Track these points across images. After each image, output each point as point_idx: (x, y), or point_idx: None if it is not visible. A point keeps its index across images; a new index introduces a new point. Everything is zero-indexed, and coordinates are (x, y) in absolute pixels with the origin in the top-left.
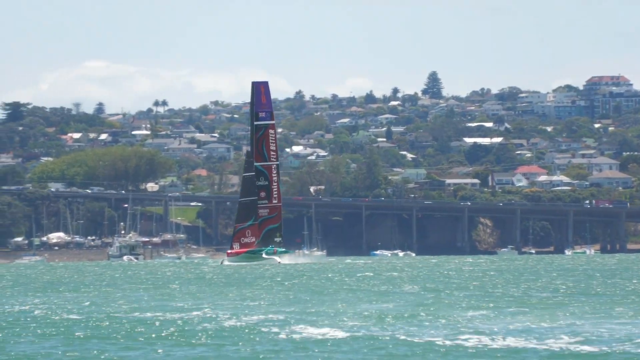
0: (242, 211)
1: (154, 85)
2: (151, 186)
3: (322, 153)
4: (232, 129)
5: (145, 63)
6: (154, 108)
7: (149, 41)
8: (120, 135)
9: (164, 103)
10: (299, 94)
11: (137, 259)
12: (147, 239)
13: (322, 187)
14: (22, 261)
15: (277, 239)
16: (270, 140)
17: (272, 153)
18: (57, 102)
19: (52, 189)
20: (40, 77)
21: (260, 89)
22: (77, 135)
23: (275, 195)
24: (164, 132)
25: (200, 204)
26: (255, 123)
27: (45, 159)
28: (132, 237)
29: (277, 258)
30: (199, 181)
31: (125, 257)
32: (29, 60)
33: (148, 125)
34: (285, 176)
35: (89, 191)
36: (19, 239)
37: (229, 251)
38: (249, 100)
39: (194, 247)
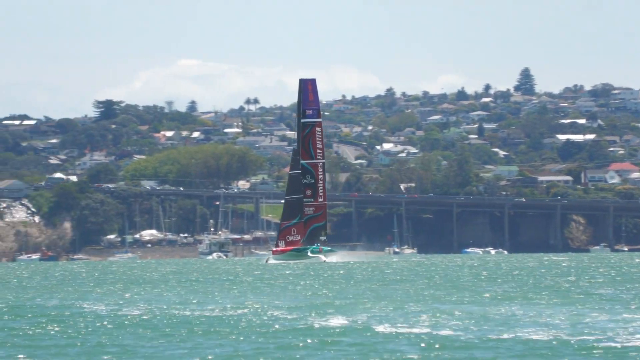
0: (288, 209)
1: (247, 83)
2: (242, 184)
3: (413, 150)
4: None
5: (237, 61)
6: (246, 106)
7: (242, 39)
8: (212, 133)
9: (256, 101)
10: (390, 91)
11: (226, 256)
12: (238, 237)
13: (413, 184)
14: (114, 258)
15: (322, 238)
16: (317, 138)
17: (319, 151)
18: (150, 101)
19: (144, 187)
20: (134, 76)
21: (307, 87)
22: (169, 133)
23: (321, 194)
24: (255, 130)
25: None
26: (302, 120)
27: (138, 156)
28: (223, 235)
29: (322, 257)
30: None
31: (214, 254)
32: (123, 59)
33: (240, 123)
34: (376, 173)
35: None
36: (112, 236)
37: (274, 249)
38: (339, 97)
39: None
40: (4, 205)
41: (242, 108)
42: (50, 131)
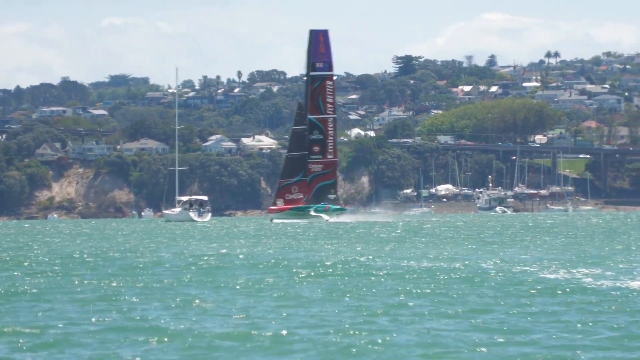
0: (289, 166)
1: (552, 36)
2: (539, 138)
3: None
4: (624, 79)
5: (544, 14)
6: (546, 59)
7: None
8: (510, 88)
9: (556, 54)
10: None
11: (507, 210)
12: (534, 191)
13: None
14: (410, 213)
15: (332, 196)
16: (328, 92)
17: (329, 105)
18: (451, 55)
19: (440, 142)
20: (437, 31)
21: (318, 38)
22: (467, 88)
23: (331, 150)
24: (554, 84)
25: (589, 156)
26: (312, 74)
27: (435, 111)
28: (521, 189)
29: (325, 216)
30: (588, 133)
31: (498, 208)
32: (427, 15)
33: (538, 77)
34: None
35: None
36: (408, 190)
37: (271, 207)
38: None
39: (582, 199)
40: None
41: (542, 62)
42: (351, 87)
